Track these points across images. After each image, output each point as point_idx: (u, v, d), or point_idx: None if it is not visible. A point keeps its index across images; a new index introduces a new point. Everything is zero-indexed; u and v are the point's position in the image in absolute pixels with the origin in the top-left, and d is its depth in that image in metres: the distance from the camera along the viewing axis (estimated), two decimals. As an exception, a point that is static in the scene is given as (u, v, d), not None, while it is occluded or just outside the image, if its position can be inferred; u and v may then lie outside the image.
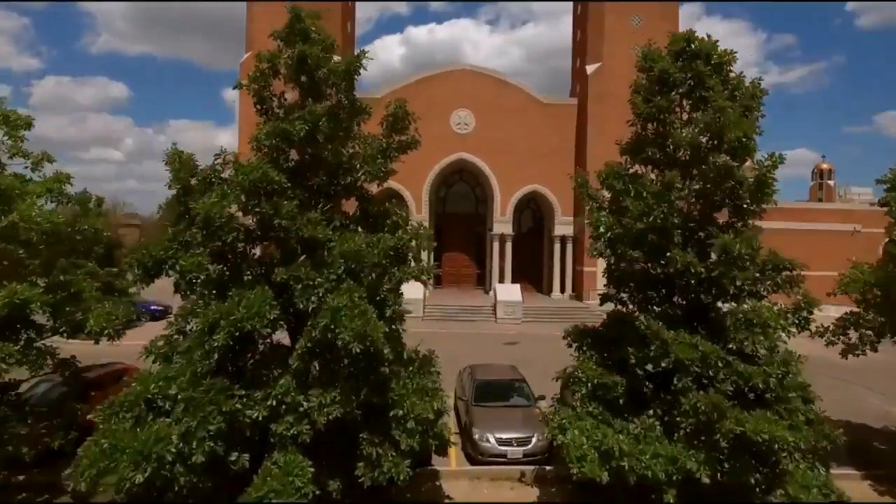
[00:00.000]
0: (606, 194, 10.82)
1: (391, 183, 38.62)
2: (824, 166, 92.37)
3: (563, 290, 39.72)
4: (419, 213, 38.57)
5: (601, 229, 10.22)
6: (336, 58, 9.98)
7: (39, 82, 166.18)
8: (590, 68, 38.24)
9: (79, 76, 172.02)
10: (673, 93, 10.01)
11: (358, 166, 9.81)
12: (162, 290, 14.55)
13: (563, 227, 39.09)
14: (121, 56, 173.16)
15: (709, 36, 10.59)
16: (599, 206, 10.92)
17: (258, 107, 9.76)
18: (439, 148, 38.22)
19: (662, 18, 38.13)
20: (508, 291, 34.23)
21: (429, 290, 39.15)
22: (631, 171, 10.83)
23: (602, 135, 36.58)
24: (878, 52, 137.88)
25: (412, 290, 35.17)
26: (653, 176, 10.77)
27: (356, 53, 9.70)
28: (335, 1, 38.25)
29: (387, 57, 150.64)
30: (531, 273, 42.31)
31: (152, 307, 30.73)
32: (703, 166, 9.35)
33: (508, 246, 38.95)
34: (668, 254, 9.04)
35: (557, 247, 39.43)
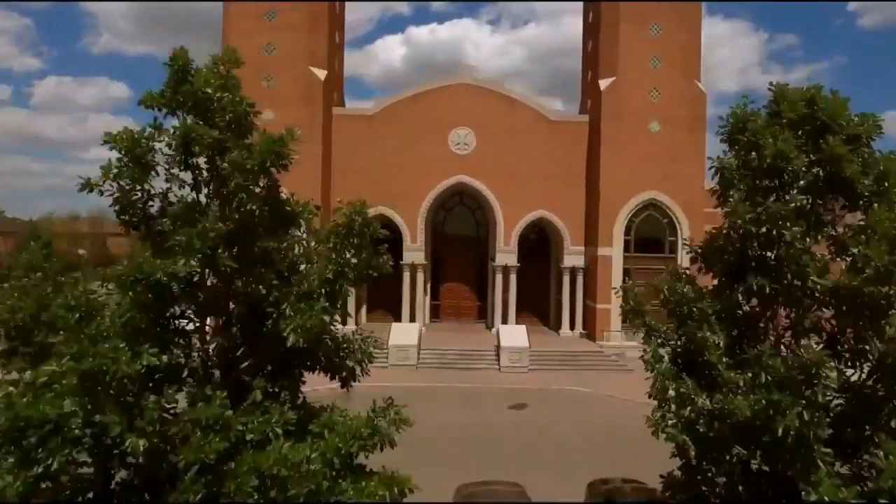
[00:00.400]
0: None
1: (382, 209, 35.14)
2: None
3: (572, 326, 35.91)
4: (414, 243, 34.88)
5: (670, 392, 6.57)
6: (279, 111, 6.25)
7: (41, 82, 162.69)
8: (603, 83, 34.34)
9: (80, 76, 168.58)
10: (794, 190, 6.31)
11: (287, 311, 6.04)
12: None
13: (573, 257, 35.32)
14: (122, 56, 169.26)
15: (834, 92, 6.92)
16: (662, 342, 7.30)
17: (122, 218, 5.96)
18: (437, 170, 34.54)
19: (681, 20, 34.16)
20: (513, 335, 30.48)
21: (425, 327, 35.47)
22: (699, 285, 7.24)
23: (617, 156, 32.84)
24: (879, 53, 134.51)
25: (407, 335, 31.60)
26: (744, 303, 7.13)
27: (284, 131, 5.97)
28: (323, 1, 34.34)
29: (388, 57, 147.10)
30: (537, 306, 38.44)
31: None
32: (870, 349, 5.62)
33: (513, 278, 35.17)
34: (809, 489, 5.31)
35: (567, 279, 35.63)
